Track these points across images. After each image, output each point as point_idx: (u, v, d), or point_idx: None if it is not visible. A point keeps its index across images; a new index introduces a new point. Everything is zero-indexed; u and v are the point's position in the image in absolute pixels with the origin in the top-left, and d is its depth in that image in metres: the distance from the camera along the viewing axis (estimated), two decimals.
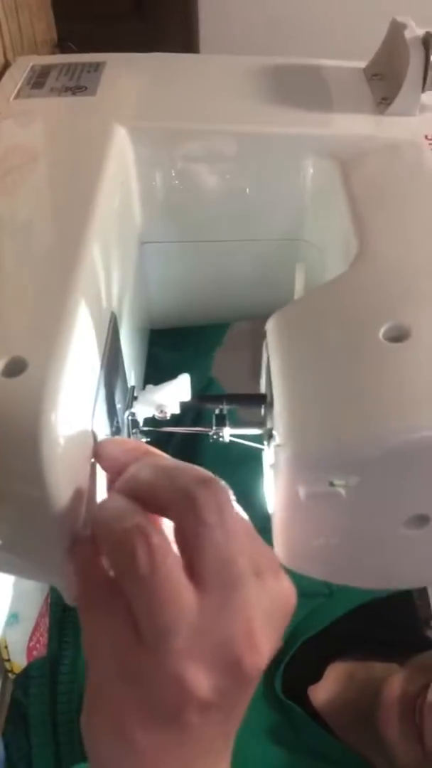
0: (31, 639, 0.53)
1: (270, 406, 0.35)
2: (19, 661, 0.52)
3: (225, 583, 0.26)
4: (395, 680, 0.60)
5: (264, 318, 0.38)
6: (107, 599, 0.27)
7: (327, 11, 1.30)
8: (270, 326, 0.36)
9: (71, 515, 0.30)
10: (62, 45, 0.74)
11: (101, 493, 0.34)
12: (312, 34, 1.27)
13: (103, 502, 0.30)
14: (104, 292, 0.38)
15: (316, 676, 0.67)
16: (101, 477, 0.34)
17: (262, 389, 0.40)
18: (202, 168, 0.49)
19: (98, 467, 0.33)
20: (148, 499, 0.28)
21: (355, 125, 0.49)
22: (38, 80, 0.52)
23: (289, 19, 1.33)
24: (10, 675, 0.52)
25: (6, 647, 0.49)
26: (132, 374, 0.46)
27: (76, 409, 0.31)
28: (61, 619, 0.62)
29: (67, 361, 0.30)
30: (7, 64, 0.56)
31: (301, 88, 0.53)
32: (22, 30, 0.61)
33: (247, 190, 0.49)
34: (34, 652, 0.54)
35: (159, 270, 0.53)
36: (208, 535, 0.26)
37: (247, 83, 0.53)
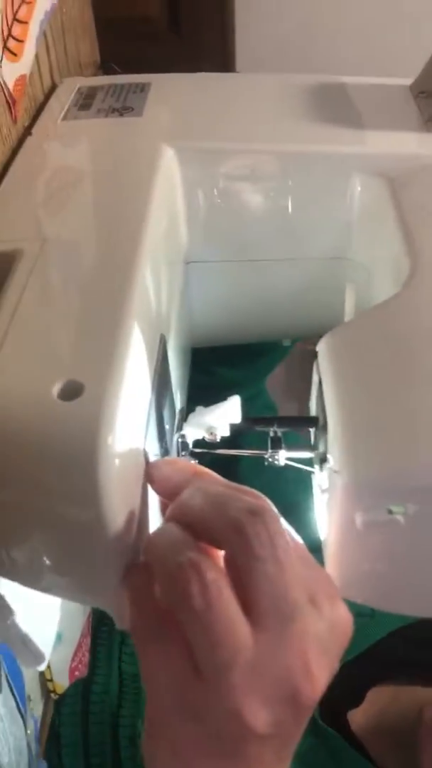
0: (73, 659, 0.52)
1: (323, 429, 0.34)
2: (62, 681, 0.51)
3: (280, 617, 0.26)
4: None
5: (305, 337, 0.38)
6: (163, 630, 0.27)
7: (363, 30, 1.30)
8: (322, 347, 0.36)
9: (124, 539, 0.30)
10: (105, 66, 0.75)
11: (154, 516, 0.34)
12: (348, 52, 1.27)
13: (157, 531, 0.30)
14: (154, 314, 0.38)
15: (357, 700, 0.65)
16: (153, 499, 0.34)
17: (313, 411, 0.39)
18: (247, 187, 0.49)
19: (150, 489, 0.33)
20: (200, 530, 0.28)
21: (403, 143, 0.48)
22: (85, 102, 0.53)
23: (325, 37, 1.33)
24: (53, 695, 0.52)
25: (49, 667, 0.49)
26: (178, 395, 0.46)
27: (130, 432, 0.30)
28: (93, 637, 0.62)
29: (122, 385, 0.30)
30: (54, 86, 0.57)
31: (345, 106, 0.52)
32: (68, 52, 0.62)
33: (293, 209, 0.49)
34: (76, 673, 0.53)
35: (203, 289, 0.53)
36: (260, 570, 0.26)
37: (292, 102, 0.53)
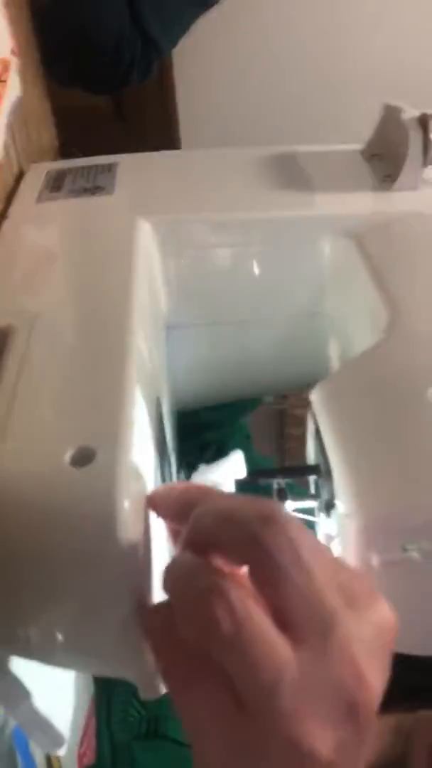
0: (81, 744, 0.50)
1: (326, 476, 0.35)
2: None
3: (318, 626, 0.24)
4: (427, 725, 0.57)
5: (286, 392, 0.39)
6: (195, 672, 0.25)
7: (303, 103, 1.38)
8: (316, 397, 0.37)
9: (147, 599, 0.30)
10: (65, 150, 0.78)
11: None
12: (289, 126, 1.34)
13: (171, 563, 0.27)
14: (150, 379, 0.39)
15: None
16: (163, 555, 0.34)
17: (310, 459, 0.40)
18: (221, 253, 0.51)
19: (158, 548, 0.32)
20: (216, 550, 0.26)
21: (364, 203, 0.51)
22: (56, 184, 0.55)
23: (266, 113, 1.41)
24: None
25: (57, 757, 0.47)
26: (173, 457, 0.46)
27: (142, 495, 0.31)
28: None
29: (132, 448, 0.30)
30: (21, 172, 0.59)
31: (305, 172, 0.55)
32: (31, 139, 0.64)
33: (266, 271, 0.51)
34: (85, 759, 0.51)
35: (184, 353, 0.54)
36: (286, 579, 0.24)
37: (253, 172, 0.56)
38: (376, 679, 0.24)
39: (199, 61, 1.36)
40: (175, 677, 0.26)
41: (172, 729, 0.58)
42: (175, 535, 0.32)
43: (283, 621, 0.24)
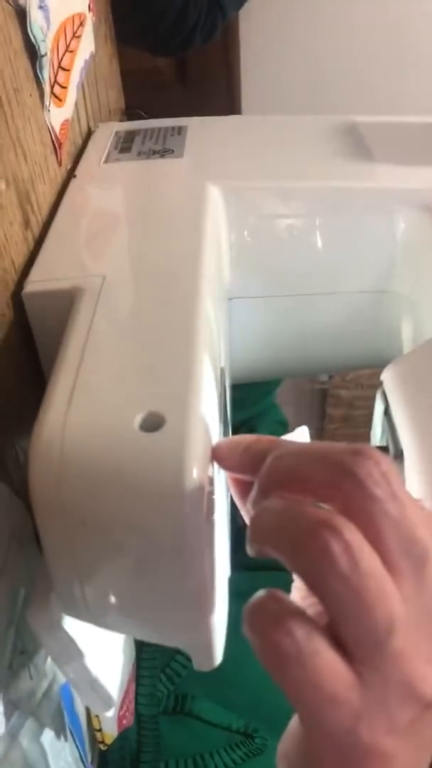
0: (121, 707, 0.51)
1: (396, 458, 0.34)
2: (110, 731, 0.50)
3: (414, 559, 0.23)
4: None
5: (345, 371, 0.38)
6: (301, 645, 0.23)
7: (369, 74, 1.34)
8: (389, 376, 0.36)
9: (207, 570, 0.29)
10: (129, 113, 0.77)
11: (222, 545, 0.33)
12: (354, 97, 1.31)
13: (260, 511, 0.26)
14: (216, 348, 0.38)
15: None
16: (222, 528, 0.33)
17: (376, 441, 0.39)
18: (290, 224, 0.49)
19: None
20: (303, 487, 0.25)
21: None
22: (125, 145, 0.54)
23: (329, 86, 1.37)
24: (101, 746, 0.50)
25: (97, 717, 0.48)
26: (230, 429, 0.45)
27: (209, 464, 0.30)
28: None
29: (201, 416, 0.30)
30: (90, 131, 0.58)
31: (382, 143, 0.53)
32: (100, 99, 0.63)
33: (335, 244, 0.50)
34: (124, 721, 0.51)
35: (245, 325, 0.53)
36: (382, 511, 0.23)
37: (325, 141, 0.54)
38: None
39: (265, 26, 1.33)
40: (282, 651, 0.23)
41: (198, 707, 0.59)
42: (240, 488, 0.31)
43: (381, 554, 0.23)
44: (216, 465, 0.31)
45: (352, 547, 0.22)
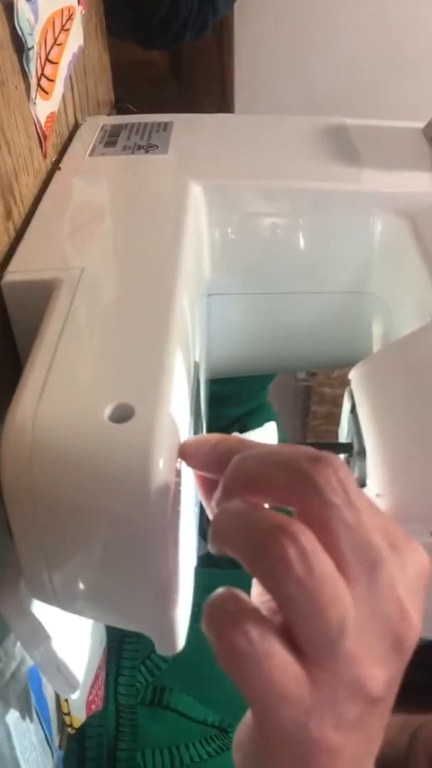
0: (90, 692, 0.51)
1: (359, 455, 0.35)
2: (79, 715, 0.50)
3: (367, 565, 0.24)
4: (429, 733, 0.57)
5: (322, 368, 0.38)
6: (256, 646, 0.24)
7: (361, 77, 1.35)
8: (356, 375, 0.37)
9: (172, 558, 0.30)
10: (118, 107, 0.77)
11: (186, 535, 0.34)
12: (346, 100, 1.31)
13: (221, 511, 0.27)
14: (191, 343, 0.39)
15: None
16: (187, 519, 0.34)
17: (343, 438, 0.40)
18: (270, 223, 0.50)
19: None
20: (264, 491, 0.26)
21: (422, 182, 0.50)
22: (110, 139, 0.54)
23: (322, 85, 1.38)
24: (69, 730, 0.51)
25: (66, 700, 0.48)
26: (204, 423, 0.46)
27: (176, 456, 0.31)
28: None
29: (170, 408, 0.30)
30: (77, 124, 0.59)
31: (362, 146, 0.54)
32: (88, 92, 0.64)
33: (314, 244, 0.51)
34: (93, 706, 0.52)
35: (223, 322, 0.54)
36: (338, 517, 0.24)
37: (310, 142, 0.55)
38: (416, 615, 0.25)
39: (260, 24, 1.33)
40: (237, 651, 0.24)
41: (175, 701, 0.60)
42: (205, 486, 0.32)
43: (335, 561, 0.24)
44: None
45: (307, 552, 0.23)
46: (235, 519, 0.26)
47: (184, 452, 0.31)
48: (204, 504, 0.33)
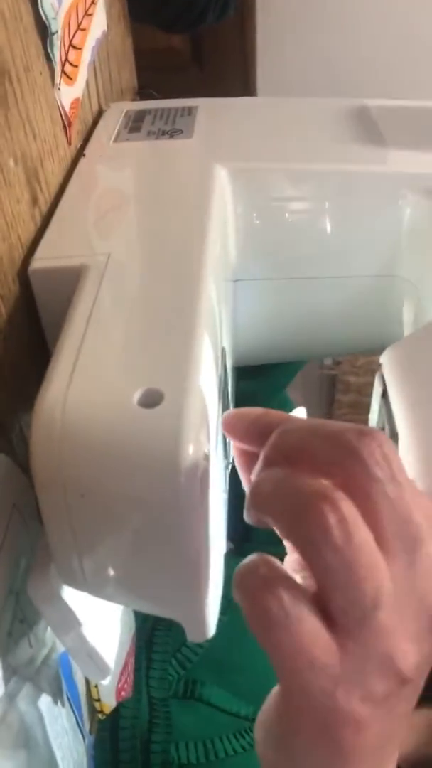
0: (119, 679, 0.52)
1: (392, 440, 0.34)
2: (109, 701, 0.51)
3: (408, 541, 0.24)
4: None
5: (348, 354, 0.38)
6: (288, 610, 0.24)
7: (383, 59, 1.33)
8: (387, 359, 0.36)
9: (201, 545, 0.30)
10: (141, 93, 0.76)
11: (218, 521, 0.34)
12: (368, 82, 1.29)
13: (261, 478, 0.26)
14: (218, 328, 0.39)
15: None
16: (218, 505, 0.34)
17: (373, 423, 0.39)
18: (297, 207, 0.49)
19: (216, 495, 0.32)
20: (306, 461, 0.25)
21: None
22: (135, 124, 0.54)
23: (344, 64, 1.36)
24: (100, 716, 0.51)
25: (96, 687, 0.49)
26: (231, 408, 0.46)
27: (206, 440, 0.31)
28: None
29: (200, 394, 0.30)
30: (101, 110, 0.58)
31: (386, 127, 0.53)
32: (111, 78, 0.63)
33: (342, 228, 0.50)
34: (123, 693, 0.53)
35: (249, 307, 0.54)
36: (381, 491, 0.24)
37: (336, 124, 0.54)
38: None
39: (282, 7, 1.31)
40: (268, 615, 0.24)
41: (208, 693, 0.60)
42: (245, 459, 0.32)
43: (375, 533, 0.24)
44: (213, 441, 0.32)
45: (347, 520, 0.23)
46: (274, 484, 0.25)
47: (226, 423, 0.31)
48: (242, 477, 0.32)
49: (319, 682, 0.23)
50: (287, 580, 0.24)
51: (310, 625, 0.23)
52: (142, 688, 0.60)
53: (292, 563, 0.29)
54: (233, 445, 0.32)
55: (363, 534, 0.23)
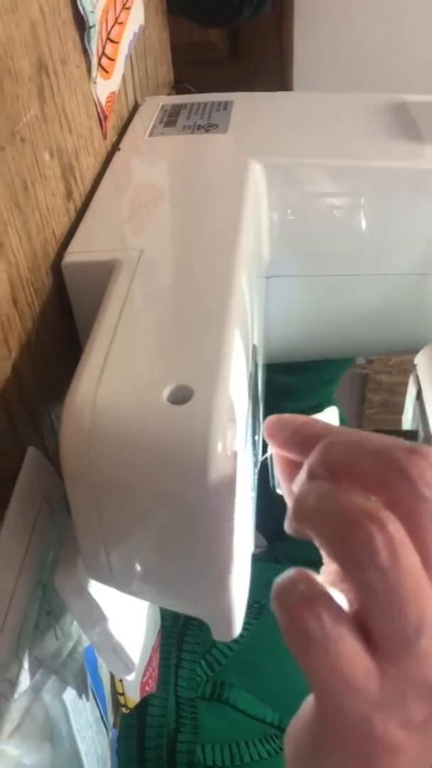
0: (144, 673, 0.52)
1: (426, 443, 0.34)
2: (133, 696, 0.51)
3: None
4: None
5: (382, 354, 0.37)
6: (328, 630, 0.23)
7: (422, 52, 1.31)
8: (423, 360, 0.35)
9: (229, 544, 0.30)
10: (177, 87, 0.76)
11: (246, 520, 0.33)
12: (406, 76, 1.27)
13: (304, 491, 0.26)
14: (249, 326, 0.38)
15: None
16: (246, 505, 0.33)
17: (407, 425, 0.39)
18: (332, 203, 0.49)
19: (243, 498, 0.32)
20: (352, 477, 0.25)
21: None
22: (170, 119, 0.54)
23: (382, 59, 1.34)
24: (124, 710, 0.52)
25: (120, 680, 0.49)
26: (261, 407, 0.46)
27: (235, 438, 0.30)
28: None
29: (230, 391, 0.30)
30: (136, 104, 0.58)
31: (423, 123, 0.52)
32: (148, 72, 0.63)
33: (378, 225, 0.49)
34: (147, 688, 0.53)
35: (282, 305, 0.53)
36: (429, 512, 0.23)
37: (372, 120, 0.53)
38: None
39: (319, 1, 1.30)
40: (307, 633, 0.23)
41: (235, 697, 0.60)
42: (286, 466, 0.31)
43: (420, 555, 0.23)
44: (242, 439, 0.32)
45: (395, 542, 0.22)
46: (320, 499, 0.25)
47: (269, 430, 0.30)
48: (283, 486, 0.32)
49: (356, 704, 0.23)
50: (327, 599, 0.24)
51: (349, 647, 0.23)
52: (170, 686, 0.60)
53: (329, 574, 0.29)
54: (273, 451, 0.31)
55: (410, 557, 0.23)
